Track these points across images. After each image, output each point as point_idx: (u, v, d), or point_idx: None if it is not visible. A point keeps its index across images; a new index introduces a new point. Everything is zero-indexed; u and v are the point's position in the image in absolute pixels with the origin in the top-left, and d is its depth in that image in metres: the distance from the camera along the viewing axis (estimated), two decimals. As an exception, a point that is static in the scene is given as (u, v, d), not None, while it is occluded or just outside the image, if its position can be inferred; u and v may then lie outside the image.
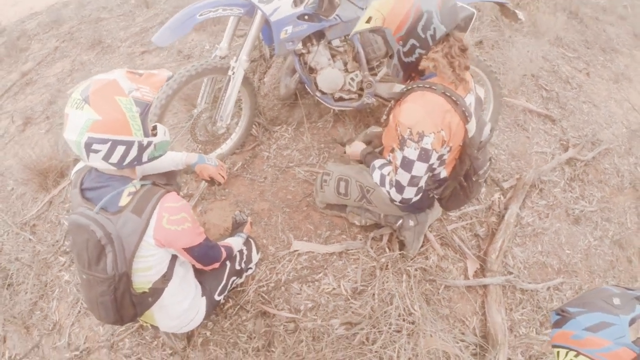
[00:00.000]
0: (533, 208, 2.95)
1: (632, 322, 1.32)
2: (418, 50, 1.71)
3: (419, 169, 1.79)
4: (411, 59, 1.74)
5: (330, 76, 2.67)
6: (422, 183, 1.86)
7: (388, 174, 1.97)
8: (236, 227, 2.41)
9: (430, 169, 1.84)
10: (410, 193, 1.88)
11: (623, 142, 3.81)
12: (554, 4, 5.24)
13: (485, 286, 2.45)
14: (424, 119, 1.69)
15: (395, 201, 1.96)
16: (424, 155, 1.74)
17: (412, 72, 1.83)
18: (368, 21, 1.73)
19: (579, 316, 1.26)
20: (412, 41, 1.69)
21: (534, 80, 3.99)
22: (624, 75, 4.76)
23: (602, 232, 3.07)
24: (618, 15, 6.01)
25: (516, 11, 2.75)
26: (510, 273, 2.55)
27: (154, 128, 1.65)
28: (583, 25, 5.28)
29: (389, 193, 1.95)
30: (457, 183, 2.02)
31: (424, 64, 1.74)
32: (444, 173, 1.98)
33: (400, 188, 1.88)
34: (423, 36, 1.67)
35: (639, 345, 1.23)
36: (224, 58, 2.58)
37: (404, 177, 1.83)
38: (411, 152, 1.75)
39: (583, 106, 3.96)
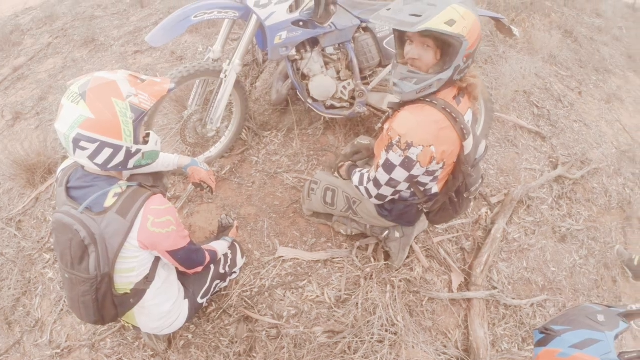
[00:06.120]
0: (520, 224, 2.97)
1: (616, 338, 1.32)
2: (466, 70, 1.70)
3: (399, 174, 1.79)
4: (459, 76, 1.71)
5: (323, 84, 2.67)
6: (400, 187, 1.88)
7: (367, 172, 2.00)
8: (222, 230, 2.40)
9: (413, 180, 1.84)
10: (386, 192, 1.91)
11: (612, 163, 3.84)
12: (550, 22, 5.30)
13: (469, 300, 2.45)
14: (415, 131, 1.68)
15: (372, 196, 1.97)
16: (407, 164, 1.73)
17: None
18: (450, 24, 1.53)
19: (564, 334, 1.27)
20: (471, 60, 1.67)
21: (525, 97, 4.02)
22: (616, 96, 4.81)
23: (587, 251, 3.09)
24: (613, 36, 6.09)
25: (511, 27, 2.77)
26: (495, 288, 2.56)
27: (147, 135, 1.65)
28: (577, 44, 5.34)
29: (367, 189, 1.97)
30: (447, 198, 2.02)
31: (469, 80, 1.74)
32: (435, 189, 1.98)
33: (377, 184, 1.90)
34: (475, 57, 1.70)
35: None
36: (217, 61, 2.58)
37: (383, 176, 1.85)
38: (395, 157, 1.75)
39: (574, 125, 3.99)
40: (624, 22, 6.76)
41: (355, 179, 2.07)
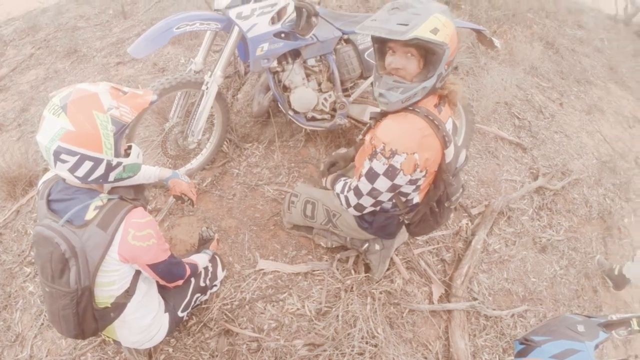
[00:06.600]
0: (500, 235, 2.99)
1: (596, 347, 1.35)
2: (447, 78, 1.76)
3: (382, 184, 1.80)
4: (441, 84, 1.75)
5: (304, 95, 2.69)
6: (381, 198, 1.87)
7: (350, 181, 2.01)
8: (202, 243, 2.40)
9: (395, 190, 1.84)
10: (366, 202, 1.91)
11: (593, 173, 3.90)
12: (531, 34, 5.39)
13: (449, 311, 2.46)
14: (400, 138, 1.70)
15: (350, 205, 1.97)
16: (391, 172, 1.74)
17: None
18: (434, 32, 1.58)
19: (544, 344, 1.29)
20: (451, 67, 1.74)
21: (507, 108, 4.08)
22: (596, 107, 4.90)
23: (568, 261, 3.13)
24: (594, 48, 6.20)
25: (493, 39, 2.81)
26: (475, 299, 2.57)
27: (129, 147, 1.66)
28: (559, 55, 5.43)
29: (346, 198, 1.97)
30: (428, 208, 2.03)
31: (450, 87, 1.79)
32: (417, 199, 2.00)
33: (358, 193, 1.90)
34: (455, 64, 1.76)
35: None
36: (199, 72, 2.58)
37: (365, 186, 1.85)
38: (379, 166, 1.76)
39: (555, 136, 4.05)
40: (606, 34, 6.89)
41: (338, 186, 2.08)
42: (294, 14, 2.44)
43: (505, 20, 5.30)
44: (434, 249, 2.73)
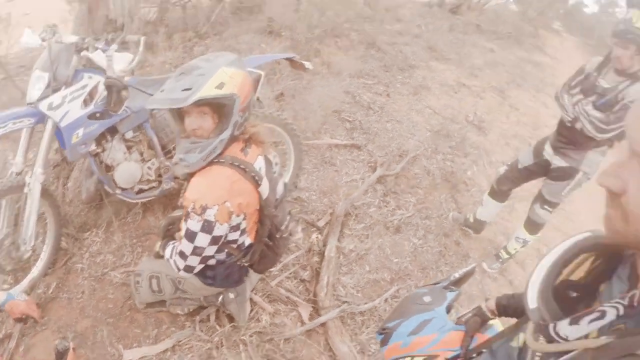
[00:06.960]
0: (352, 234, 3.21)
1: (449, 309, 1.49)
2: (246, 122, 1.86)
3: (202, 240, 1.85)
4: (239, 131, 1.84)
5: (128, 170, 2.67)
6: (207, 253, 1.92)
7: (176, 245, 2.04)
8: (60, 357, 2.27)
9: (218, 241, 1.90)
10: (193, 262, 1.95)
11: (429, 145, 4.33)
12: (350, 41, 5.82)
13: (323, 324, 2.58)
14: (207, 192, 1.76)
15: (180, 269, 1.99)
16: (207, 227, 1.80)
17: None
18: (220, 87, 1.68)
19: (399, 327, 1.40)
20: (248, 112, 1.84)
21: (336, 115, 4.39)
22: (422, 86, 5.45)
23: (424, 230, 3.44)
24: (413, 35, 6.88)
25: (303, 62, 3.04)
26: (345, 302, 2.72)
27: None
28: (381, 52, 5.96)
29: (175, 262, 1.99)
30: (262, 245, 2.12)
31: (251, 130, 1.90)
32: (248, 240, 2.07)
33: (183, 256, 1.93)
34: (251, 109, 1.88)
35: (461, 323, 1.39)
36: (20, 174, 2.43)
37: (187, 247, 1.89)
38: (194, 224, 1.80)
39: (387, 125, 4.44)
40: (422, 20, 7.67)
41: (167, 252, 2.08)
42: (106, 92, 2.42)
43: (325, 36, 5.67)
44: (290, 273, 2.83)
